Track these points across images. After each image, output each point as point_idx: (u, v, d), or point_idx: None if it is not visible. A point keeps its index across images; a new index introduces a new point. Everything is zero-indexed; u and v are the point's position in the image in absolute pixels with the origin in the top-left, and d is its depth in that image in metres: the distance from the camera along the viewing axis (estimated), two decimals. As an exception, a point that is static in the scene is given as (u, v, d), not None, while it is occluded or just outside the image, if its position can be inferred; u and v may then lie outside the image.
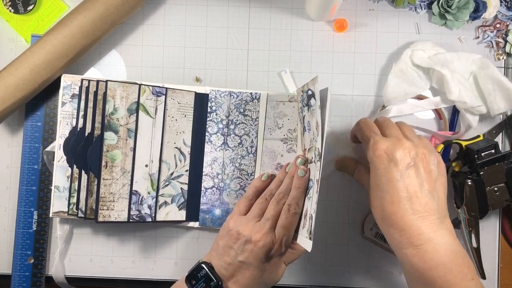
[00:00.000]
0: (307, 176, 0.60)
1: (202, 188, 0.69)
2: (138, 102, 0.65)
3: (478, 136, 0.68)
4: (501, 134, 0.70)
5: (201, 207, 0.69)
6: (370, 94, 0.71)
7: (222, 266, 0.59)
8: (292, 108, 0.68)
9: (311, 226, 0.55)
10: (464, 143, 0.67)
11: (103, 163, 0.63)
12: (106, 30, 0.68)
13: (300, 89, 0.64)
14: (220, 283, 0.58)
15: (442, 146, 0.67)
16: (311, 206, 0.57)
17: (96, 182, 0.63)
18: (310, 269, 0.71)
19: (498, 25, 0.69)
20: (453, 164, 0.68)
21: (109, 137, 0.63)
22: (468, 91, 0.66)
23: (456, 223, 0.69)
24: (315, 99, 0.58)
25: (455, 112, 0.69)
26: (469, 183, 0.65)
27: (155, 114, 0.66)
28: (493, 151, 0.65)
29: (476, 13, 0.68)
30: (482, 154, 0.65)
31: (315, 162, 0.58)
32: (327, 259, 0.71)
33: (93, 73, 0.72)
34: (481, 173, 0.65)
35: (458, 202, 0.67)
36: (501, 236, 0.71)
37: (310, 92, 0.59)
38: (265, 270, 0.59)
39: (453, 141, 0.68)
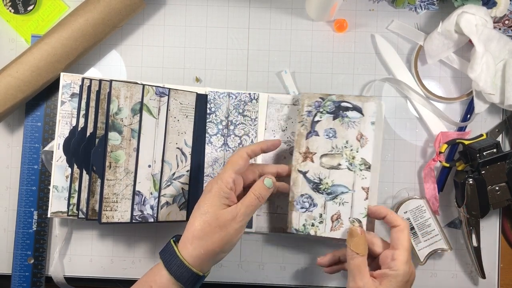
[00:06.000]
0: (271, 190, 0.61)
1: (203, 189, 0.68)
2: (142, 103, 0.65)
3: (482, 135, 0.68)
4: (501, 134, 0.70)
5: (202, 207, 0.69)
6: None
7: None
8: (296, 111, 0.68)
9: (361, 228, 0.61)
10: (466, 142, 0.67)
11: (107, 164, 0.63)
12: (107, 33, 0.68)
13: (317, 95, 0.65)
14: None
15: (446, 146, 0.67)
16: (351, 210, 0.63)
17: (98, 183, 0.63)
18: (310, 269, 0.71)
19: (507, 22, 0.69)
20: (457, 164, 0.68)
21: (113, 137, 0.63)
22: (488, 76, 0.65)
23: (456, 223, 0.69)
24: (362, 114, 0.63)
25: (471, 103, 0.69)
26: (470, 182, 0.65)
27: (158, 114, 0.66)
28: (494, 150, 0.65)
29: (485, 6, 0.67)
30: (484, 153, 0.65)
31: (351, 170, 0.63)
32: (328, 259, 0.71)
33: (93, 73, 0.72)
34: (483, 172, 0.65)
35: (459, 201, 0.67)
36: (501, 236, 0.71)
37: (348, 105, 0.64)
38: None
39: (457, 140, 0.68)
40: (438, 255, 0.70)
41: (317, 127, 0.64)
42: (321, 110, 0.65)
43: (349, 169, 0.63)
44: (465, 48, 0.70)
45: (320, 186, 0.64)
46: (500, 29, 0.69)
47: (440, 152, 0.67)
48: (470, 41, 0.65)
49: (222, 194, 0.56)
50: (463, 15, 0.65)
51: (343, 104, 0.64)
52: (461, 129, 0.70)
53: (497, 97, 0.66)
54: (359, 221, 0.62)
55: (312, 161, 0.64)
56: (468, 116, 0.69)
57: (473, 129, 0.70)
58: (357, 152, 0.63)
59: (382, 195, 0.70)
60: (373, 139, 0.63)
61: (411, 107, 0.71)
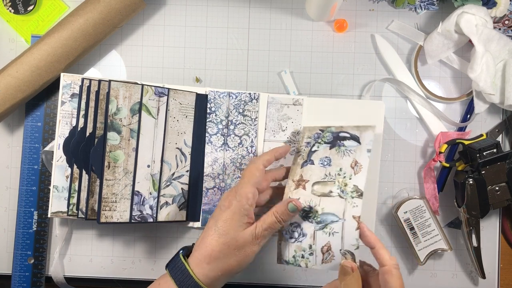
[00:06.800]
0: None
1: (204, 189, 0.69)
2: (140, 103, 0.65)
3: (482, 135, 0.68)
4: (501, 134, 0.70)
5: (203, 207, 0.69)
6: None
7: None
8: (296, 111, 0.69)
9: (354, 261, 0.55)
10: (466, 142, 0.67)
11: (106, 164, 0.63)
12: (107, 33, 0.68)
13: (317, 127, 0.64)
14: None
15: (446, 146, 0.67)
16: (342, 242, 0.57)
17: (97, 183, 0.63)
18: (310, 269, 0.71)
19: (507, 22, 0.69)
20: (457, 164, 0.68)
21: (112, 138, 0.63)
22: (488, 76, 0.65)
23: (456, 223, 0.69)
24: (359, 142, 0.61)
25: (471, 103, 0.69)
26: (471, 182, 0.65)
27: (157, 114, 0.66)
28: (494, 150, 0.65)
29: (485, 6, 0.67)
30: (484, 153, 0.65)
31: (342, 198, 0.58)
32: (328, 259, 0.71)
33: (93, 73, 0.72)
34: (483, 172, 0.65)
35: (459, 201, 0.67)
36: (501, 236, 0.71)
37: (346, 135, 0.62)
38: None
39: (457, 140, 0.67)
40: (438, 255, 0.70)
41: (313, 156, 0.63)
42: (319, 141, 0.64)
43: (340, 196, 0.59)
44: (465, 48, 0.70)
45: (310, 214, 0.60)
46: (500, 29, 0.69)
47: (440, 152, 0.67)
48: (470, 41, 0.65)
49: (243, 211, 0.55)
50: (463, 15, 0.65)
51: (341, 134, 0.63)
52: (461, 129, 0.70)
53: (497, 97, 0.67)
54: (352, 254, 0.56)
55: (304, 188, 0.61)
56: (468, 116, 0.69)
57: (473, 129, 0.70)
58: (349, 179, 0.59)
59: (382, 195, 0.70)
60: (367, 166, 0.59)
61: (411, 107, 0.71)
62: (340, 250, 0.57)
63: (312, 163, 0.62)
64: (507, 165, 0.65)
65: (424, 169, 0.69)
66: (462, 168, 0.68)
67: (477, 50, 0.64)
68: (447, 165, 0.68)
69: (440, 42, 0.67)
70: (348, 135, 0.62)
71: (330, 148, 0.63)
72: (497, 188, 0.66)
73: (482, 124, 0.70)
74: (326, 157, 0.62)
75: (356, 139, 0.62)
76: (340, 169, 0.60)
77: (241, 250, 0.54)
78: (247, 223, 0.55)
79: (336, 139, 0.63)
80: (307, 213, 0.60)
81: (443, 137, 0.68)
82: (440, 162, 0.68)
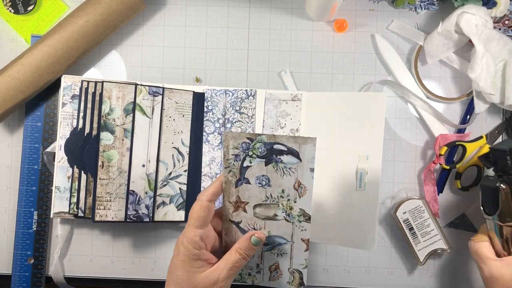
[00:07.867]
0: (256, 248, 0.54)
1: (202, 189, 0.69)
2: (134, 102, 0.65)
3: (481, 137, 0.68)
4: (501, 135, 0.70)
5: (201, 207, 0.69)
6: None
7: None
8: (295, 107, 0.68)
9: (301, 279, 0.56)
10: (467, 144, 0.66)
11: (100, 163, 0.63)
12: (108, 34, 0.68)
13: (243, 135, 0.55)
14: None
15: (446, 148, 0.67)
16: (291, 261, 0.56)
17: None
18: (310, 269, 0.71)
19: (507, 22, 0.68)
20: (457, 166, 0.68)
21: (105, 137, 0.63)
22: (488, 76, 0.65)
23: (456, 223, 0.69)
24: (299, 159, 0.54)
25: (470, 104, 0.69)
26: (503, 186, 0.58)
27: (152, 114, 0.66)
28: None
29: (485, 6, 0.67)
30: None
31: (289, 221, 0.55)
32: (327, 259, 0.71)
33: (93, 74, 0.72)
34: None
35: (490, 208, 0.60)
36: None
37: (282, 148, 0.54)
38: None
39: (456, 142, 0.67)
40: (438, 255, 0.70)
41: (248, 174, 0.55)
42: (250, 153, 0.55)
43: (286, 220, 0.55)
44: (465, 48, 0.70)
45: None
46: (500, 29, 0.69)
47: (440, 155, 0.67)
48: (470, 41, 0.65)
49: (192, 257, 0.50)
50: (463, 15, 0.65)
51: (276, 146, 0.54)
52: (461, 130, 0.69)
53: (497, 97, 0.66)
54: (300, 272, 0.55)
55: (245, 211, 0.56)
56: (468, 116, 0.69)
57: (473, 130, 0.70)
58: (294, 202, 0.55)
59: (381, 195, 0.70)
60: (312, 188, 0.54)
61: (411, 107, 0.71)
62: (289, 268, 0.56)
63: (248, 182, 0.55)
64: None
65: (424, 171, 0.69)
66: (462, 169, 0.68)
67: (477, 50, 0.64)
68: (447, 167, 0.68)
69: (440, 42, 0.67)
70: (284, 149, 0.54)
71: (266, 164, 0.55)
72: None
73: (482, 125, 0.70)
74: (263, 175, 0.55)
75: (295, 154, 0.54)
76: (283, 191, 0.55)
77: None
78: (204, 266, 0.51)
79: (271, 153, 0.55)
80: None
81: (442, 139, 0.68)
82: (440, 164, 0.68)
